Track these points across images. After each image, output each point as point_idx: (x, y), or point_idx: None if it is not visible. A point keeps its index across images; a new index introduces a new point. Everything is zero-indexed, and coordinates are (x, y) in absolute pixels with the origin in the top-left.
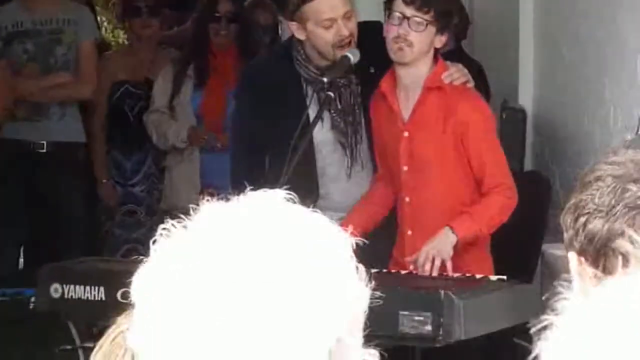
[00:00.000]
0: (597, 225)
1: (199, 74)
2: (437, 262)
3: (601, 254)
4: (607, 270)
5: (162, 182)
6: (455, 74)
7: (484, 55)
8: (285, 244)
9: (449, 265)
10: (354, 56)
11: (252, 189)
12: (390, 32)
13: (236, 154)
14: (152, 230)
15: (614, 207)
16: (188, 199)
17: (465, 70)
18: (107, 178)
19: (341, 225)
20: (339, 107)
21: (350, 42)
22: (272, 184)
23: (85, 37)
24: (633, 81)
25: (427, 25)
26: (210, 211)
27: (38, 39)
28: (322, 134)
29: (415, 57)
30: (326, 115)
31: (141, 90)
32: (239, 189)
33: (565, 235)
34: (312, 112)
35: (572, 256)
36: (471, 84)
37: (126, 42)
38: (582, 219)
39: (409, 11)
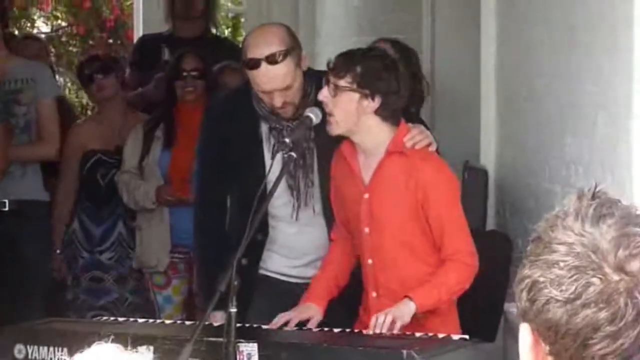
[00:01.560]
0: (556, 314)
1: (167, 133)
2: (388, 319)
3: (562, 344)
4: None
5: (135, 248)
6: (417, 137)
7: (446, 116)
8: None
9: (398, 325)
10: (315, 117)
11: (213, 248)
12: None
13: (201, 184)
14: (121, 299)
15: (574, 300)
16: (159, 258)
17: (427, 132)
18: (59, 249)
19: (305, 300)
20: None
21: (284, 110)
22: (233, 233)
23: (45, 95)
24: (592, 138)
25: (344, 90)
26: None
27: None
28: (274, 176)
29: (345, 127)
30: (278, 158)
31: (114, 159)
32: (200, 250)
33: (519, 305)
34: (266, 150)
35: (526, 330)
36: (433, 147)
37: (90, 104)
38: (539, 303)
39: (330, 77)
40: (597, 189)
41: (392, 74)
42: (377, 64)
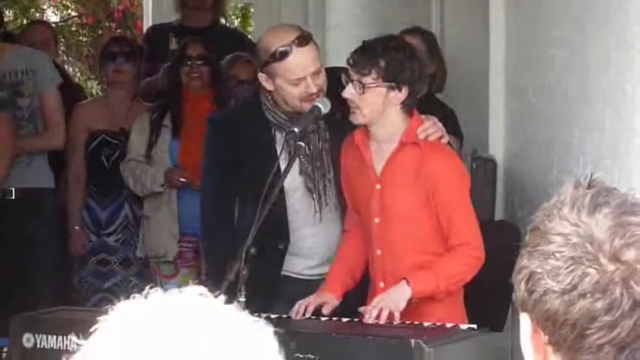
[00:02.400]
0: (554, 304)
1: (175, 122)
2: (385, 313)
3: (560, 334)
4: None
5: (139, 231)
6: (430, 129)
7: (455, 105)
8: (204, 344)
9: (397, 314)
10: (324, 106)
11: (222, 238)
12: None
13: (206, 204)
14: (125, 281)
15: (570, 291)
16: (166, 246)
17: (440, 124)
18: (78, 225)
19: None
20: (307, 152)
21: (317, 96)
22: (243, 232)
23: (46, 86)
24: (601, 131)
25: (371, 87)
26: (129, 312)
27: (2, 92)
28: (292, 180)
29: (369, 119)
30: (295, 161)
31: (118, 140)
32: (208, 239)
33: (518, 295)
34: (282, 158)
35: (525, 319)
36: (445, 139)
37: (99, 94)
38: (537, 294)
39: (353, 74)
40: (593, 178)
41: (414, 62)
42: (399, 55)
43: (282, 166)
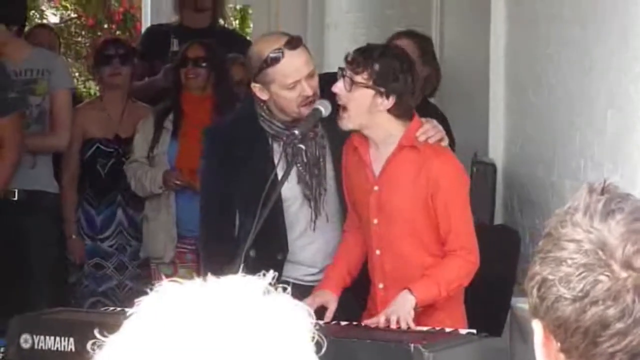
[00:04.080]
0: (565, 311)
1: (175, 124)
2: (402, 324)
3: (571, 341)
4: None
5: (136, 236)
6: (430, 132)
7: (454, 108)
8: (242, 331)
9: (411, 324)
10: (325, 109)
11: (222, 250)
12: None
13: (205, 217)
14: (120, 286)
15: (582, 298)
16: (164, 248)
17: (440, 127)
18: (75, 234)
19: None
20: (305, 160)
21: (314, 100)
22: (243, 242)
23: (59, 86)
24: (602, 133)
25: (359, 86)
26: (168, 298)
27: (15, 90)
28: (290, 190)
29: (357, 122)
30: (293, 169)
31: (112, 148)
32: (209, 251)
33: (530, 302)
34: (279, 168)
35: (537, 326)
36: (445, 142)
37: (98, 94)
38: (549, 300)
39: (346, 70)
40: (607, 184)
41: (408, 75)
42: (395, 63)
43: (280, 175)
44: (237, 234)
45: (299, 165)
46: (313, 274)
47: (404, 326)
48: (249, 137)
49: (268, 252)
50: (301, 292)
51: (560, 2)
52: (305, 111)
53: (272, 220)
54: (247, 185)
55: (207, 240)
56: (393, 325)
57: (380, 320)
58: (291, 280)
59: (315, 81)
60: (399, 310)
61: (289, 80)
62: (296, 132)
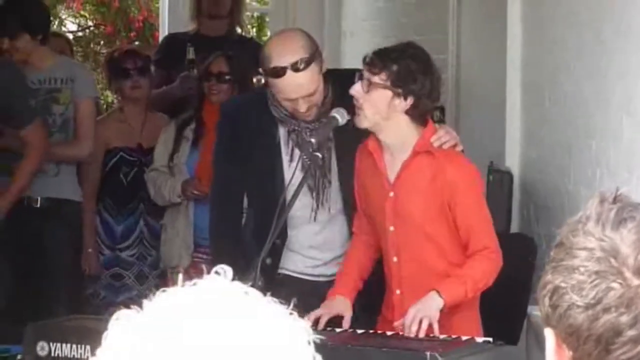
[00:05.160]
0: (578, 319)
1: (196, 133)
2: (425, 324)
3: (584, 349)
4: None
5: (156, 246)
6: (444, 137)
7: (471, 115)
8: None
9: (435, 327)
10: (341, 117)
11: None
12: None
13: (214, 200)
14: (141, 296)
15: (594, 306)
16: (179, 257)
17: (454, 133)
18: (92, 247)
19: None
20: (311, 150)
21: (311, 112)
22: (249, 238)
23: (83, 95)
24: (619, 141)
25: (377, 87)
26: (167, 301)
27: (37, 97)
28: (294, 178)
29: (372, 122)
30: (297, 158)
31: (135, 157)
32: (216, 241)
33: (542, 310)
34: (284, 152)
35: (550, 334)
36: (460, 148)
37: (115, 102)
38: (561, 308)
39: (365, 71)
40: (619, 192)
41: (427, 76)
42: (414, 65)
43: (285, 159)
44: (243, 222)
45: (304, 156)
46: (316, 266)
47: (425, 326)
48: (259, 116)
49: (267, 236)
50: (305, 289)
51: (576, 7)
52: (299, 114)
53: (271, 205)
54: (251, 167)
55: (215, 224)
56: (423, 332)
57: (406, 320)
58: (293, 275)
59: (315, 97)
60: (426, 310)
61: (285, 96)
62: (312, 140)
